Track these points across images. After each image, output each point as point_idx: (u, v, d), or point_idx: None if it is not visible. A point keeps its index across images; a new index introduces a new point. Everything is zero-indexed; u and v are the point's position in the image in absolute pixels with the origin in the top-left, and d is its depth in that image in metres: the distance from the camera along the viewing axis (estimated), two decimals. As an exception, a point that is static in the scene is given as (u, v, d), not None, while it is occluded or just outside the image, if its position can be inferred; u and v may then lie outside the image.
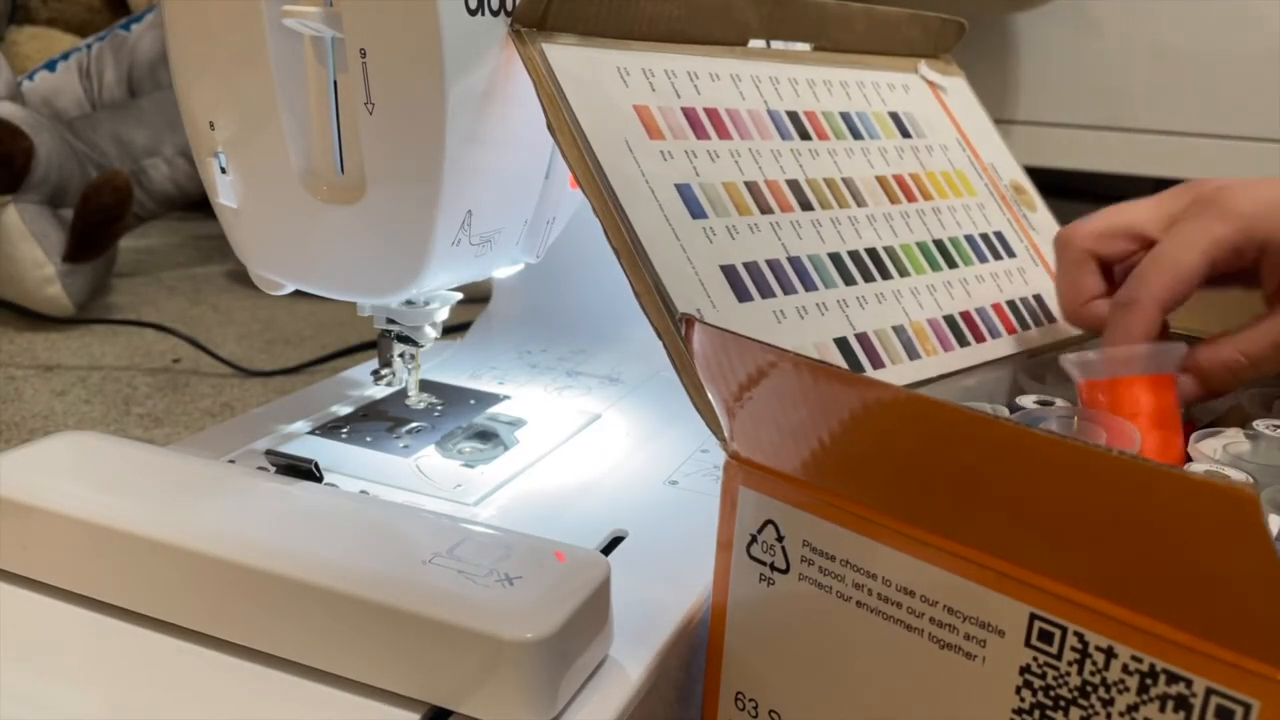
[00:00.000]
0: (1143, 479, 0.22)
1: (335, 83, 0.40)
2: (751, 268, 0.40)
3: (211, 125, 0.42)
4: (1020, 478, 0.25)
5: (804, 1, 0.50)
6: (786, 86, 0.49)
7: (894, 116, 0.53)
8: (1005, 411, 0.42)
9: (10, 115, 0.92)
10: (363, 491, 0.41)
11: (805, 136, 0.47)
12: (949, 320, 0.46)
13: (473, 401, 0.52)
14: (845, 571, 0.29)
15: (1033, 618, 0.25)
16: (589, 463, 0.46)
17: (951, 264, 0.49)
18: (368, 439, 0.47)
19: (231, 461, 0.44)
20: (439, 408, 0.51)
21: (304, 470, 0.38)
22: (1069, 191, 0.94)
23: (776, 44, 0.50)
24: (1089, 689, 0.25)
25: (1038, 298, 0.52)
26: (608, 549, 0.39)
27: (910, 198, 0.50)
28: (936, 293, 0.47)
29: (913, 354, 0.44)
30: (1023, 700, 0.26)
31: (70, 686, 0.30)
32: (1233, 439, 0.41)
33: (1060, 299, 0.47)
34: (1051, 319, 0.51)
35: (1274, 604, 0.21)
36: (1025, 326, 0.50)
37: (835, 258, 0.44)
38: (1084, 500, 0.24)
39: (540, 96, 0.39)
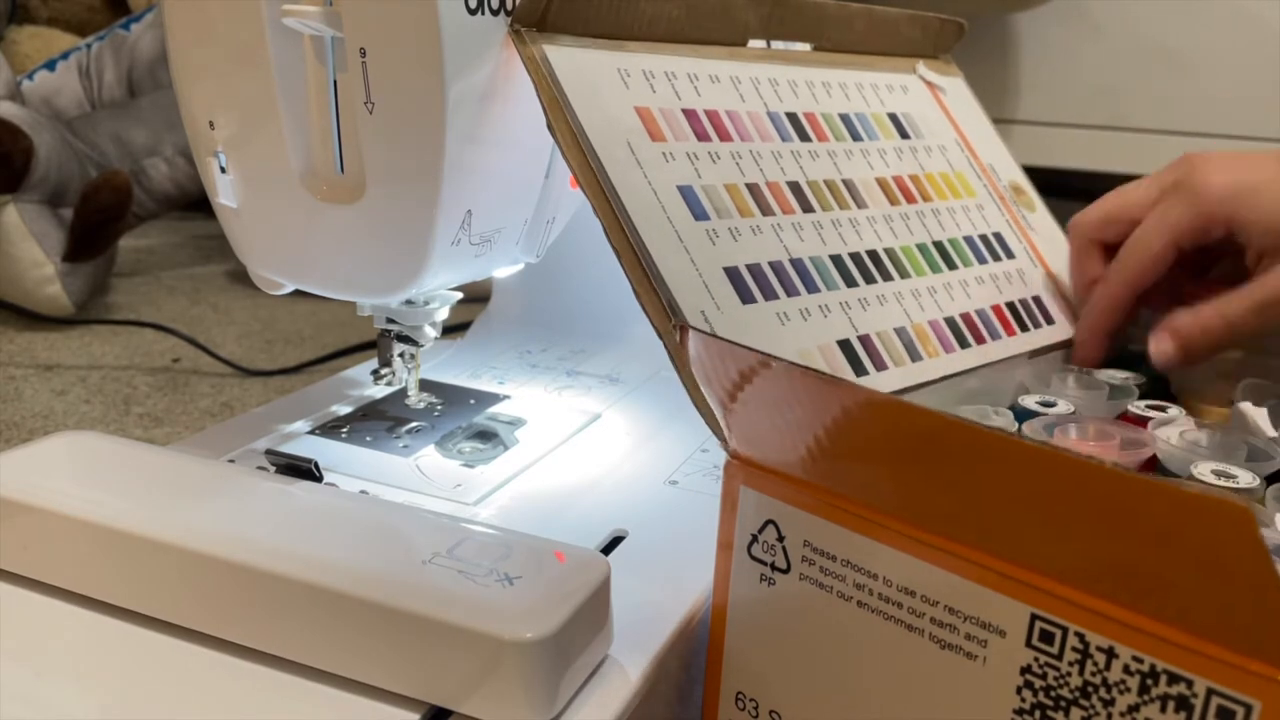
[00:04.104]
0: (1137, 492, 0.22)
1: (335, 82, 0.40)
2: (754, 269, 0.40)
3: (211, 125, 0.42)
4: (1014, 486, 0.25)
5: (804, 2, 0.50)
6: (786, 88, 0.49)
7: (893, 118, 0.53)
8: (1009, 415, 0.42)
9: (10, 115, 0.92)
10: (363, 491, 0.41)
11: (805, 138, 0.47)
12: (950, 322, 0.46)
13: (473, 401, 0.52)
14: (846, 571, 0.29)
15: (1034, 618, 0.25)
16: (589, 463, 0.46)
17: (951, 265, 0.49)
18: (368, 439, 0.47)
19: (231, 461, 0.44)
20: (439, 407, 0.51)
21: (304, 470, 0.38)
22: (1068, 191, 0.94)
23: (776, 44, 0.50)
24: (1090, 689, 0.25)
25: (1037, 299, 0.52)
26: (608, 549, 0.39)
27: (910, 199, 0.50)
28: (937, 294, 0.47)
29: (915, 356, 0.44)
30: (1023, 700, 0.26)
31: (70, 686, 0.30)
32: (1185, 426, 0.41)
33: (1070, 283, 0.51)
34: (1051, 320, 0.51)
35: (1273, 608, 0.21)
36: (1025, 328, 0.50)
37: (837, 259, 0.44)
38: (1079, 508, 0.24)
39: (541, 98, 0.39)
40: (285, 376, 0.79)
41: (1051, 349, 0.50)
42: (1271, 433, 0.41)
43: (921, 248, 0.48)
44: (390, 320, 0.47)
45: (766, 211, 0.43)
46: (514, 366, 0.58)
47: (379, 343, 0.48)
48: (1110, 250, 0.49)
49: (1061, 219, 0.57)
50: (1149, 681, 0.24)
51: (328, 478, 0.41)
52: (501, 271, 0.50)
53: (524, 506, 0.42)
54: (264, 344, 0.88)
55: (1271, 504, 0.35)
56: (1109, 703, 0.24)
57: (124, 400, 0.73)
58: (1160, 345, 0.45)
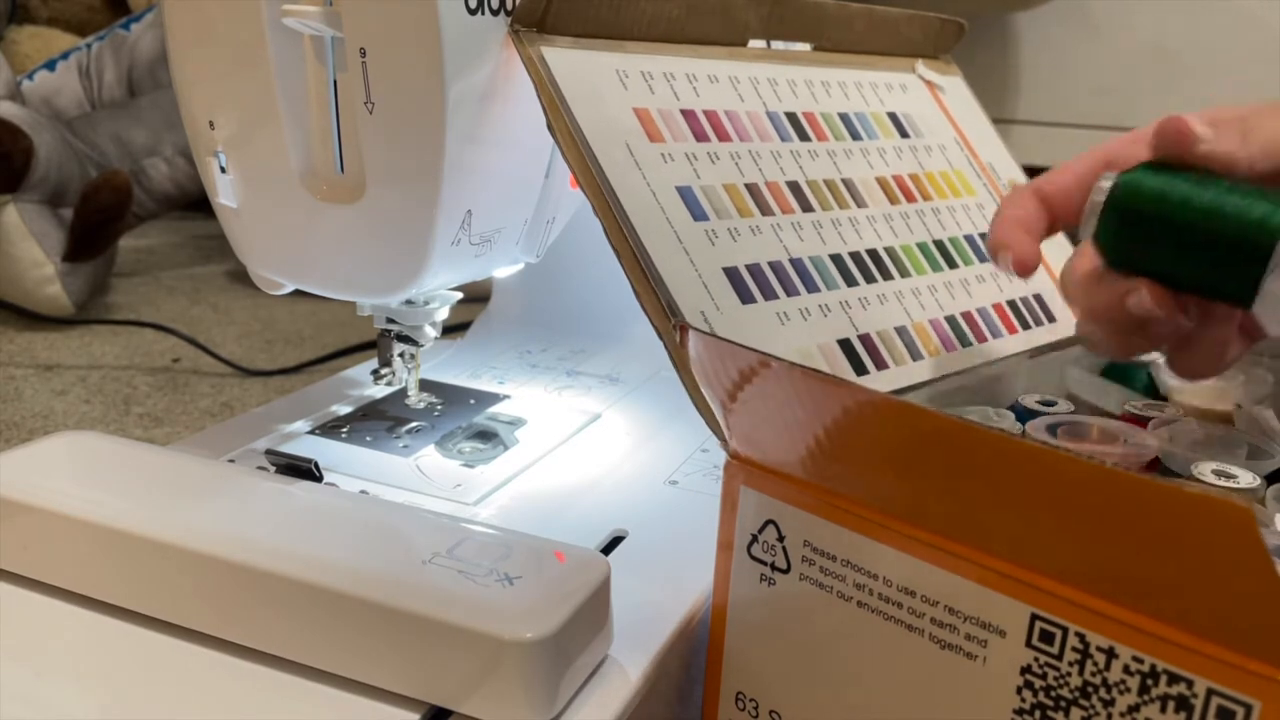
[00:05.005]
0: (1137, 492, 0.22)
1: (335, 82, 0.40)
2: (754, 270, 0.40)
3: (211, 125, 0.42)
4: (1014, 487, 0.25)
5: (804, 1, 0.50)
6: (785, 88, 0.49)
7: (892, 117, 0.53)
8: (1010, 416, 0.42)
9: (10, 115, 0.92)
10: (363, 491, 0.41)
11: (804, 138, 0.47)
12: (950, 320, 0.46)
13: (473, 401, 0.52)
14: (846, 572, 0.29)
15: (1034, 618, 0.25)
16: (589, 463, 0.46)
17: (952, 264, 0.49)
18: (368, 439, 0.47)
19: (231, 461, 0.44)
20: (439, 407, 0.51)
21: (304, 470, 0.38)
22: (1069, 192, 0.94)
23: (776, 44, 0.50)
24: (1090, 689, 0.25)
25: (1038, 297, 0.52)
26: (608, 549, 0.39)
27: (910, 198, 0.50)
28: (937, 293, 0.47)
29: (915, 354, 0.44)
30: (1023, 700, 0.26)
31: (70, 686, 0.30)
32: (1186, 425, 0.41)
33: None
34: (1052, 318, 0.51)
35: (1273, 608, 0.21)
36: (1026, 326, 0.50)
37: (836, 259, 0.44)
38: (1080, 508, 0.24)
39: (540, 98, 0.39)
40: (285, 376, 0.79)
41: (1053, 347, 0.50)
42: None
43: (922, 246, 0.48)
44: (390, 320, 0.47)
45: (766, 211, 0.43)
46: (514, 366, 0.58)
47: (379, 343, 0.48)
48: None
49: (1061, 219, 0.57)
50: (1149, 681, 0.24)
51: (328, 478, 0.41)
52: (501, 271, 0.50)
53: (524, 506, 0.42)
54: (264, 344, 0.88)
55: (1272, 504, 0.35)
56: (1109, 703, 0.24)
57: (124, 400, 0.73)
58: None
